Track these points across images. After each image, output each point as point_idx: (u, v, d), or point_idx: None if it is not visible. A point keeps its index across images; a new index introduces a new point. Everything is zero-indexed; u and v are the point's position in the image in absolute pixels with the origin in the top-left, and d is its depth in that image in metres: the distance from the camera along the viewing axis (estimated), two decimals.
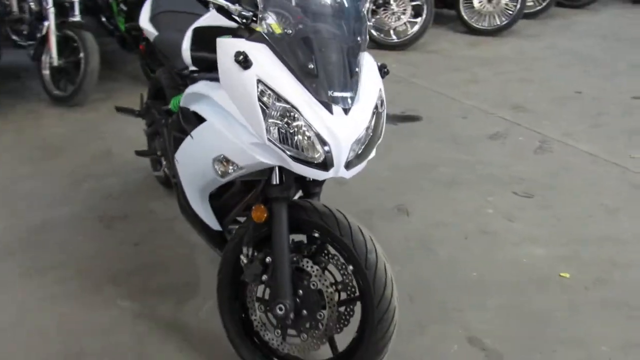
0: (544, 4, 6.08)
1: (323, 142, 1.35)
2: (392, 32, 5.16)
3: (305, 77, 1.35)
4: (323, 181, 1.66)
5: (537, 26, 5.78)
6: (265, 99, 1.33)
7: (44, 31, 3.95)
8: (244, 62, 1.32)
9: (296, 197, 1.63)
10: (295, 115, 1.33)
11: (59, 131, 3.60)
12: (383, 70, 1.57)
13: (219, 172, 1.51)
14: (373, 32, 5.15)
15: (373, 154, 1.56)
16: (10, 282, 2.14)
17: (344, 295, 1.55)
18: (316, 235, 1.52)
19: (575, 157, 3.02)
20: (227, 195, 1.78)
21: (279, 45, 1.37)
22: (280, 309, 1.45)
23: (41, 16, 4.10)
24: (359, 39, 1.50)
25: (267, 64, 1.35)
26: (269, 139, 1.33)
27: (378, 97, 1.50)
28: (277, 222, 1.47)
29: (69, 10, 4.07)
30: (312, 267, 1.50)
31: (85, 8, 6.09)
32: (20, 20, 4.99)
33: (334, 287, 1.52)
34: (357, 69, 1.44)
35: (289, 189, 1.50)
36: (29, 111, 3.96)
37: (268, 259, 1.51)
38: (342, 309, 1.55)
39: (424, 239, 2.36)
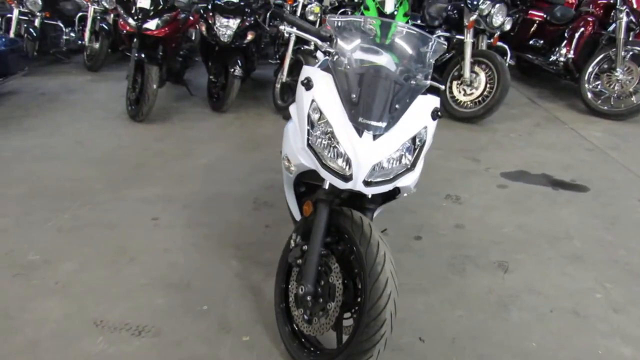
0: None
1: (346, 158, 1.64)
2: (612, 99, 4.73)
3: (348, 104, 1.66)
4: (378, 201, 1.92)
5: None
6: (314, 115, 1.69)
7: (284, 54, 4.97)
8: (307, 84, 1.72)
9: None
10: (331, 132, 1.65)
11: (266, 132, 4.49)
12: (436, 114, 1.75)
13: (285, 167, 1.92)
14: (589, 95, 4.81)
15: (408, 183, 1.76)
16: (175, 226, 2.92)
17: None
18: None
19: None
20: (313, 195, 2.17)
21: (339, 77, 1.72)
22: (301, 290, 1.78)
23: (288, 42, 5.14)
24: (413, 82, 1.73)
25: (324, 89, 1.71)
26: (308, 145, 1.69)
27: (418, 134, 1.70)
28: (316, 219, 1.80)
29: (306, 41, 4.99)
30: (334, 264, 1.78)
31: None
32: (284, 44, 6.27)
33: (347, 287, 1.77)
34: (397, 106, 1.67)
35: (332, 194, 1.80)
36: (256, 113, 5.01)
37: (305, 247, 1.84)
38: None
39: (506, 298, 2.32)
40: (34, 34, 6.33)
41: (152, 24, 4.41)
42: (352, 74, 1.72)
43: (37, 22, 6.43)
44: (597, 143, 4.18)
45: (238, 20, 4.64)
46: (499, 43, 4.79)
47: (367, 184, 1.67)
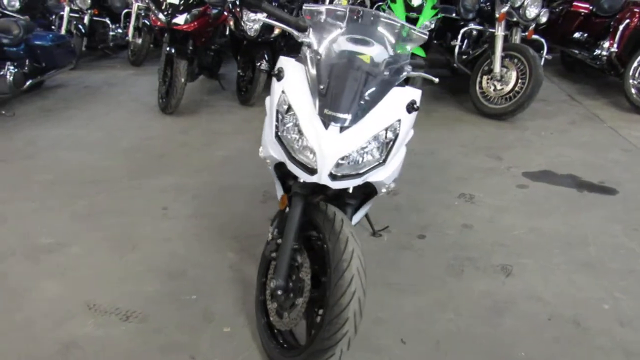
0: None
1: (311, 151, 1.59)
2: None
3: (316, 95, 1.62)
4: (358, 196, 1.86)
5: None
6: (283, 106, 1.66)
7: None
8: (278, 75, 1.69)
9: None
10: (298, 124, 1.62)
11: None
12: (413, 106, 1.67)
13: (262, 158, 1.90)
14: (633, 91, 4.48)
15: (380, 178, 1.70)
16: (181, 216, 2.96)
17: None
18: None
19: None
20: None
21: (310, 67, 1.67)
22: (273, 284, 1.75)
23: None
24: (387, 73, 1.66)
25: (294, 80, 1.68)
26: (276, 136, 1.66)
27: (390, 127, 1.63)
28: (290, 213, 1.77)
29: None
30: (305, 259, 1.75)
31: None
32: None
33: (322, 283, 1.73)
34: (367, 98, 1.61)
35: (307, 187, 1.75)
36: None
37: (279, 241, 1.82)
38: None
39: (502, 303, 2.20)
40: (83, 30, 6.65)
41: (180, 19, 4.50)
42: (323, 65, 1.67)
43: (86, 19, 6.73)
44: (636, 143, 3.89)
45: (265, 14, 4.64)
46: (535, 36, 4.55)
47: (334, 177, 1.62)
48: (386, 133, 1.65)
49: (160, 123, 4.60)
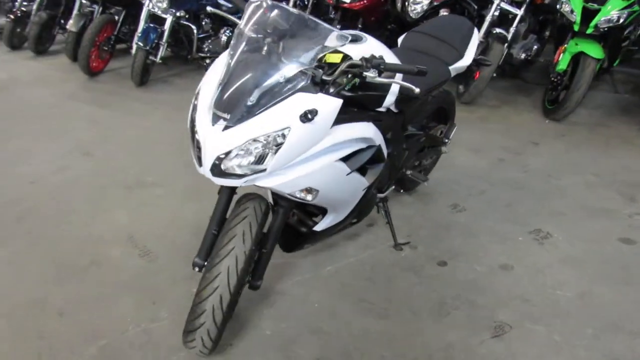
0: None
1: (200, 144, 1.63)
2: None
3: (217, 91, 1.62)
4: (287, 199, 1.82)
5: None
6: (196, 99, 1.72)
7: None
8: (207, 68, 1.74)
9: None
10: (194, 117, 1.67)
11: None
12: (307, 116, 1.53)
13: None
14: None
15: (270, 184, 1.66)
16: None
17: None
18: None
19: None
20: None
21: (227, 61, 1.67)
22: (193, 261, 1.88)
23: None
24: (282, 79, 1.55)
25: (211, 75, 1.71)
26: (189, 127, 1.74)
27: (276, 133, 1.53)
28: (218, 200, 1.86)
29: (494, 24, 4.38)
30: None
31: None
32: None
33: None
34: (257, 100, 1.54)
35: None
36: None
37: None
38: None
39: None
40: None
41: None
42: (232, 61, 1.65)
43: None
44: None
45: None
46: None
47: (217, 173, 1.63)
48: (273, 139, 1.56)
49: None
